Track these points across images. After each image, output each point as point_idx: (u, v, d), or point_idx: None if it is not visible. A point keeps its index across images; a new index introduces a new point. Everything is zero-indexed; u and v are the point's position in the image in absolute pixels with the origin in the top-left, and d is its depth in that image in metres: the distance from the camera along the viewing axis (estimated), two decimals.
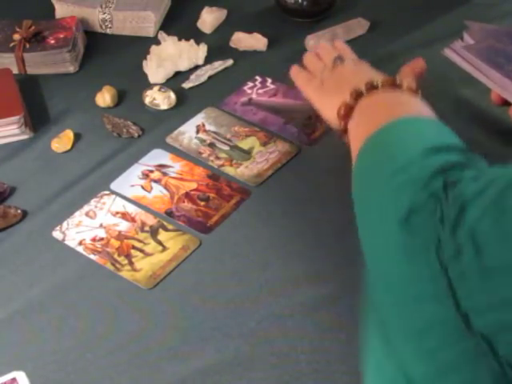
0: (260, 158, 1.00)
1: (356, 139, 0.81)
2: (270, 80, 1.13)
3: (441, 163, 0.64)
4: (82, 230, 0.92)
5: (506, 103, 1.01)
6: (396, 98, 0.86)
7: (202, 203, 0.94)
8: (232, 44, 1.20)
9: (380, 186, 0.69)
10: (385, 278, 0.66)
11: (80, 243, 0.90)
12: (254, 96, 1.10)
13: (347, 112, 0.87)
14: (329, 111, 0.92)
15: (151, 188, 0.96)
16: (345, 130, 0.87)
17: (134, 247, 0.89)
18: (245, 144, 1.02)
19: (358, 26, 1.22)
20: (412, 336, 0.62)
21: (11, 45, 1.16)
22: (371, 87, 0.87)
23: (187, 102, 1.10)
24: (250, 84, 1.13)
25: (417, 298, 0.61)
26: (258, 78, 1.14)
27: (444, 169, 0.64)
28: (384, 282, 0.66)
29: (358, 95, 0.87)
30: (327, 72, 0.98)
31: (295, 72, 1.03)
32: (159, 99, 1.08)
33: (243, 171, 0.98)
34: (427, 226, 0.60)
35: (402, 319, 0.63)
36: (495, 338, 0.57)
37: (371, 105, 0.86)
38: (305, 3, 1.23)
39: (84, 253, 0.89)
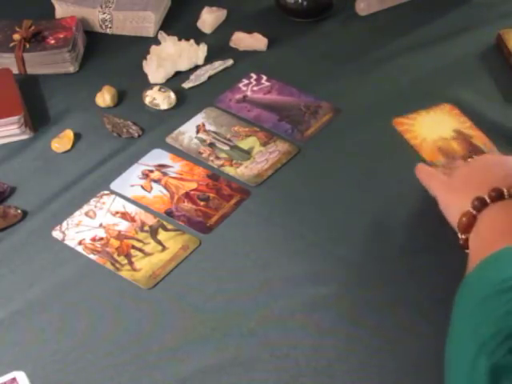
0: (260, 157, 1.00)
1: (473, 255, 0.74)
2: (264, 77, 1.13)
3: None
4: (81, 229, 0.92)
5: None
6: None
7: (202, 203, 0.94)
8: (232, 44, 1.20)
9: (463, 341, 0.64)
10: None
11: (80, 243, 0.90)
12: (248, 93, 1.10)
13: (470, 222, 0.78)
14: (453, 211, 0.82)
15: (151, 188, 0.96)
16: (464, 243, 0.79)
17: (133, 247, 0.89)
18: (245, 144, 1.02)
19: None
20: None
21: (11, 45, 1.16)
22: (496, 197, 0.77)
23: (187, 102, 1.10)
24: (245, 81, 1.13)
25: None
26: (252, 75, 1.14)
27: None
28: None
29: (481, 204, 0.77)
30: (458, 168, 0.88)
31: (422, 167, 0.92)
32: (159, 99, 1.08)
33: (243, 171, 0.98)
34: None
35: None
36: None
37: (492, 219, 0.76)
38: (305, 3, 1.23)
39: (84, 252, 0.89)
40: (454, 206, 0.81)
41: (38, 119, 1.08)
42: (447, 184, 0.85)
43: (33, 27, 1.18)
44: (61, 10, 1.25)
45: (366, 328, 0.79)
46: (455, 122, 1.03)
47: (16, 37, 1.16)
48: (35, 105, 1.10)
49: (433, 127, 1.03)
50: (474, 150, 0.96)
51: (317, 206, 0.93)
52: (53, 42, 1.16)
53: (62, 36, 1.17)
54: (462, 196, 0.80)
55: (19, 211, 0.93)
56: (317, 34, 1.22)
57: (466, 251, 0.77)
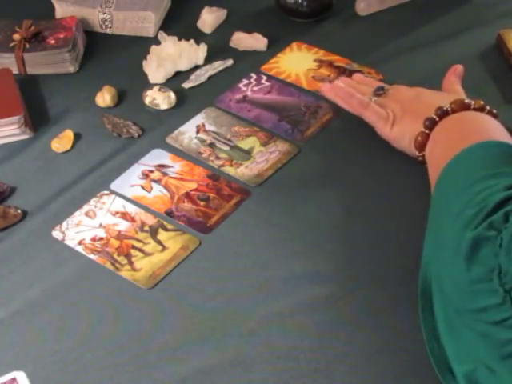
0: (260, 158, 1.00)
1: (433, 167, 0.86)
2: (264, 77, 1.13)
3: (504, 195, 0.68)
4: (81, 229, 0.92)
5: None
6: (466, 122, 0.88)
7: (202, 203, 0.94)
8: (232, 44, 1.20)
9: (449, 224, 0.72)
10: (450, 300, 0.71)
11: (80, 243, 0.90)
12: (248, 93, 1.11)
13: (424, 141, 0.90)
14: (407, 138, 0.95)
15: (151, 188, 0.96)
16: (422, 159, 0.92)
17: (133, 247, 0.89)
18: (245, 144, 1.02)
19: None
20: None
21: (11, 45, 1.16)
22: (442, 113, 0.89)
23: (187, 102, 1.10)
24: (245, 81, 1.13)
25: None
26: (252, 75, 1.14)
27: (506, 198, 0.68)
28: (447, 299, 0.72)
29: (431, 124, 0.90)
30: (396, 106, 0.99)
31: (364, 104, 1.01)
32: (159, 99, 1.08)
33: (243, 171, 0.98)
34: (489, 256, 0.65)
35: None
36: None
37: (444, 132, 0.89)
38: (305, 3, 1.23)
39: (84, 252, 0.89)
40: (406, 134, 0.94)
41: (38, 119, 1.08)
42: (390, 119, 0.97)
43: (33, 27, 1.18)
44: (61, 10, 1.25)
45: (366, 328, 0.79)
46: (310, 54, 1.17)
47: (16, 37, 1.16)
48: (35, 105, 1.10)
49: (296, 64, 1.16)
50: (345, 73, 1.10)
51: (317, 206, 0.93)
52: (53, 41, 1.16)
53: (62, 36, 1.17)
54: (410, 123, 0.94)
55: (19, 211, 0.93)
56: (317, 34, 1.22)
57: (426, 165, 0.89)
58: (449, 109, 0.89)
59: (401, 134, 0.95)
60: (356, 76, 1.09)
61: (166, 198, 0.95)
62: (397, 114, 0.97)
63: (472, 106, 0.89)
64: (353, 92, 1.02)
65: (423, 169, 0.96)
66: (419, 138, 0.91)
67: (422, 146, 0.91)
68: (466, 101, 0.90)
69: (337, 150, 1.02)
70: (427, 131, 0.90)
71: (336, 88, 1.05)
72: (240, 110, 1.08)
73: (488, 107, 0.89)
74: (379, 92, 1.01)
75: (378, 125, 0.98)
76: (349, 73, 1.13)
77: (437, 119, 0.89)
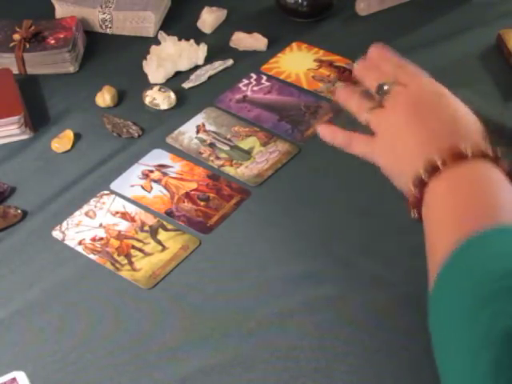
0: (260, 158, 1.00)
1: (433, 235, 0.64)
2: (264, 77, 1.13)
3: None
4: (81, 229, 0.92)
5: None
6: (466, 186, 0.64)
7: (202, 203, 0.94)
8: (232, 44, 1.20)
9: (459, 359, 0.55)
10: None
11: (80, 243, 0.90)
12: (248, 93, 1.11)
13: (415, 202, 0.67)
14: (400, 177, 0.70)
15: (151, 188, 0.96)
16: (418, 209, 0.67)
17: (133, 247, 0.89)
18: (245, 144, 1.02)
19: None
20: None
21: (11, 45, 1.16)
22: (432, 170, 0.65)
23: (187, 102, 1.10)
24: (245, 81, 1.13)
25: None
26: (252, 75, 1.14)
27: None
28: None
29: (420, 184, 0.65)
30: (390, 122, 0.72)
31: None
32: (159, 99, 1.08)
33: (243, 171, 0.98)
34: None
35: None
36: None
37: (439, 199, 0.65)
38: (305, 3, 1.23)
39: (84, 252, 0.89)
40: (398, 171, 0.70)
41: (38, 119, 1.08)
42: (379, 141, 0.72)
43: (33, 27, 1.18)
44: (61, 10, 1.25)
45: (366, 328, 0.79)
46: (310, 54, 1.17)
47: (16, 37, 1.16)
48: (35, 105, 1.10)
49: (296, 64, 1.16)
50: (345, 73, 1.04)
51: (317, 205, 0.93)
52: (53, 42, 1.16)
53: (62, 36, 1.17)
54: (405, 158, 0.68)
55: (19, 211, 0.93)
56: (317, 34, 1.22)
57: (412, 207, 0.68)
58: (439, 164, 0.64)
59: (388, 166, 0.72)
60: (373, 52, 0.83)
61: (166, 197, 0.95)
62: (386, 137, 0.72)
63: (469, 155, 0.64)
64: (350, 136, 0.79)
65: None
66: (409, 198, 0.67)
67: (414, 207, 0.67)
68: (463, 147, 0.64)
69: (337, 150, 1.01)
70: (416, 191, 0.66)
71: (334, 132, 0.81)
72: (240, 110, 1.08)
73: (496, 153, 0.66)
74: (380, 92, 0.76)
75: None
76: (349, 73, 1.13)
77: (426, 180, 0.65)
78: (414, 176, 0.66)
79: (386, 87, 0.75)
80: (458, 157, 0.64)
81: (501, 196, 0.62)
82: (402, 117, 0.71)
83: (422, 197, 0.66)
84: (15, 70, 1.14)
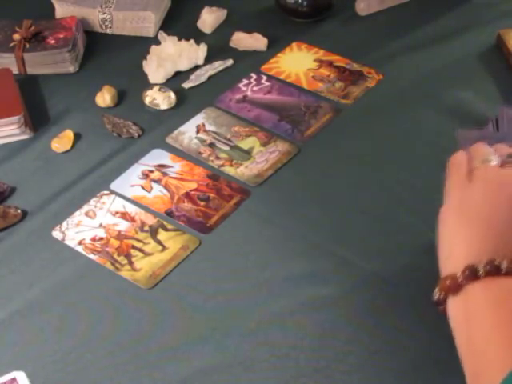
0: (260, 158, 1.00)
1: (477, 345, 0.60)
2: (264, 77, 1.13)
3: None
4: (81, 229, 0.92)
5: None
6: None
7: (202, 203, 0.94)
8: (232, 44, 1.20)
9: None
10: None
11: (80, 243, 0.90)
12: (248, 93, 1.11)
13: (454, 288, 0.63)
14: (449, 245, 0.66)
15: (151, 188, 0.96)
16: (443, 305, 0.65)
17: (133, 247, 0.89)
18: (245, 144, 1.02)
19: None
20: None
21: (11, 45, 1.16)
22: (494, 268, 0.61)
23: (187, 101, 1.10)
24: (245, 81, 1.13)
25: None
26: (252, 75, 1.14)
27: None
28: None
29: (473, 274, 0.62)
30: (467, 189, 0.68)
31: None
32: (159, 99, 1.08)
33: (243, 171, 0.98)
34: None
35: None
36: None
37: (502, 303, 0.61)
38: (305, 3, 1.23)
39: (84, 252, 0.89)
40: (456, 244, 0.66)
41: (38, 119, 1.08)
42: (457, 208, 0.67)
43: (33, 27, 1.18)
44: (61, 10, 1.25)
45: (366, 328, 0.79)
46: (310, 54, 1.17)
47: (16, 37, 1.16)
48: (35, 105, 1.10)
49: (296, 64, 1.16)
50: (345, 73, 1.09)
51: (317, 206, 0.93)
52: (53, 42, 1.16)
53: (61, 36, 1.17)
54: (463, 238, 0.65)
55: (19, 211, 0.93)
56: (317, 34, 1.22)
57: (440, 308, 0.65)
58: (503, 268, 0.61)
59: (449, 228, 0.67)
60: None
61: (166, 198, 0.95)
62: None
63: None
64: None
65: (424, 169, 0.96)
66: (445, 281, 0.64)
67: (446, 291, 0.64)
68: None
69: (337, 150, 1.02)
70: (461, 278, 0.62)
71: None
72: (240, 110, 1.08)
73: None
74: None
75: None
76: (349, 73, 1.13)
77: (481, 275, 0.62)
78: (468, 263, 0.62)
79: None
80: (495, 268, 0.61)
81: None
82: (494, 197, 0.67)
83: (462, 288, 0.62)
84: (15, 70, 1.14)
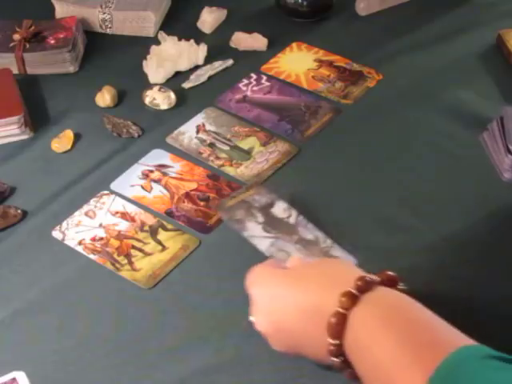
0: (260, 158, 1.00)
1: (383, 367, 0.61)
2: (264, 77, 1.13)
3: None
4: (81, 229, 0.92)
5: None
6: (411, 311, 0.65)
7: (202, 203, 0.94)
8: (232, 44, 1.21)
9: None
10: None
11: (80, 243, 0.90)
12: (248, 93, 1.11)
13: (341, 322, 0.64)
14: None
15: (151, 188, 0.96)
16: (338, 347, 0.65)
17: (133, 247, 0.89)
18: (245, 144, 1.02)
19: None
20: None
21: (11, 45, 1.16)
22: (365, 287, 0.65)
23: (187, 101, 1.10)
24: (245, 81, 1.13)
25: None
26: (252, 75, 1.14)
27: None
28: None
29: (351, 300, 0.64)
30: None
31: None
32: (159, 99, 1.08)
33: (243, 171, 0.98)
34: None
35: None
36: None
37: (384, 318, 0.64)
38: (305, 3, 1.23)
39: (84, 252, 0.89)
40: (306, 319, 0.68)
41: (38, 119, 1.08)
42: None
43: (33, 27, 1.18)
44: (61, 10, 1.25)
45: None
46: (310, 54, 1.17)
47: (16, 37, 1.16)
48: (35, 105, 1.10)
49: (296, 64, 1.16)
50: (345, 73, 1.10)
51: (317, 205, 0.93)
52: (53, 41, 1.16)
53: (62, 36, 1.17)
54: (315, 298, 0.67)
55: (19, 211, 0.93)
56: (317, 34, 1.22)
57: (334, 359, 0.66)
58: (354, 291, 0.65)
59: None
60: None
61: (166, 198, 0.95)
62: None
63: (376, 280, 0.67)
64: None
65: (421, 168, 0.96)
66: (332, 320, 0.64)
67: (338, 332, 0.65)
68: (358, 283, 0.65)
69: (337, 150, 1.02)
70: (344, 311, 0.64)
71: None
72: (240, 110, 1.08)
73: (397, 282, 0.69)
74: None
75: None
76: (349, 73, 1.13)
77: (344, 311, 0.64)
78: (340, 301, 0.64)
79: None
80: (368, 283, 0.65)
81: (433, 319, 0.64)
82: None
83: (344, 333, 0.64)
84: (15, 70, 1.14)
